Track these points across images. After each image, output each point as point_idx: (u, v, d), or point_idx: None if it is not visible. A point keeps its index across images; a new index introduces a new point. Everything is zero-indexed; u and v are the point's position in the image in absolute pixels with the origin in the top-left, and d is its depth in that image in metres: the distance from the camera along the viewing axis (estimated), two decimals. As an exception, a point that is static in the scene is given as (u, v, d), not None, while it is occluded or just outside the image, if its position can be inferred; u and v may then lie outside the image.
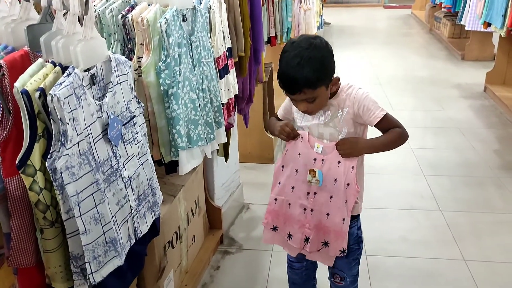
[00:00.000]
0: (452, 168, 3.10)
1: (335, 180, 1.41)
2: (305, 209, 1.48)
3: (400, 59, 6.05)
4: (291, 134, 1.45)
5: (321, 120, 1.45)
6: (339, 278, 1.58)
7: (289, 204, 1.51)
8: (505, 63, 4.43)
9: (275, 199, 1.53)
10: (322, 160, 1.41)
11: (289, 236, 1.51)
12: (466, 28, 5.12)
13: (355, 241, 1.53)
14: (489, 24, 4.15)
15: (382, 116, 1.41)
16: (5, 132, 0.83)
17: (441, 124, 3.87)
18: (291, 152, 1.48)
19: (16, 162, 0.83)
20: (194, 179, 2.12)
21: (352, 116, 1.43)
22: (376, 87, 4.74)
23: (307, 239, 1.49)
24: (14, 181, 0.85)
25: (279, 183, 1.51)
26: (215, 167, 2.37)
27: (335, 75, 1.40)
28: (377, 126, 1.44)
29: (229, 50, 1.86)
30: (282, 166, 1.50)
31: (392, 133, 1.44)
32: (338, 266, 1.53)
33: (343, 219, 1.43)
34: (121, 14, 1.25)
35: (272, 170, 1.57)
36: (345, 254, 1.46)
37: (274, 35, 3.37)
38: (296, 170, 1.47)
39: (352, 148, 1.40)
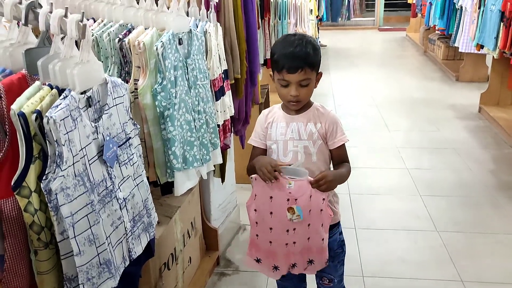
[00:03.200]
0: (448, 188, 3.11)
1: (310, 210, 1.45)
2: (287, 244, 1.50)
3: (395, 80, 6.11)
4: (269, 176, 1.40)
5: (295, 133, 1.51)
6: (327, 280, 1.64)
7: (270, 242, 1.52)
8: (499, 84, 4.48)
9: (257, 235, 1.54)
10: (296, 199, 1.43)
11: (275, 268, 1.54)
12: (459, 50, 5.19)
13: (339, 245, 1.61)
14: (482, 46, 4.22)
15: (344, 142, 1.52)
16: (1, 154, 0.84)
17: (437, 144, 3.89)
18: (261, 197, 1.48)
19: (12, 184, 0.83)
20: (190, 200, 2.12)
21: (323, 132, 1.51)
22: (372, 108, 4.79)
23: (293, 265, 1.53)
24: (9, 202, 0.86)
25: (256, 223, 1.52)
26: (212, 188, 2.37)
27: (321, 73, 1.50)
28: (334, 150, 1.53)
29: (225, 72, 1.88)
30: (255, 210, 1.50)
31: (347, 167, 1.53)
32: (325, 270, 1.58)
33: (322, 239, 1.48)
34: (118, 38, 1.28)
35: None
36: (328, 262, 1.52)
37: (270, 57, 3.41)
38: (271, 213, 1.47)
39: (330, 186, 1.43)
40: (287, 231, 1.48)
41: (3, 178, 0.85)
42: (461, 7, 5.05)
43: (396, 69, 6.82)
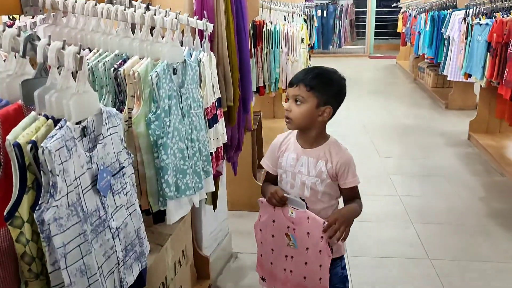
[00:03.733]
0: (440, 215, 3.13)
1: (307, 249, 1.49)
2: (285, 269, 1.56)
3: (386, 107, 6.19)
4: (276, 202, 1.53)
5: (304, 167, 1.54)
6: None
7: (271, 263, 1.60)
8: (487, 112, 4.56)
9: (261, 255, 1.64)
10: (294, 229, 1.50)
11: None
12: (448, 79, 5.30)
13: (340, 281, 1.59)
14: (470, 75, 4.31)
15: (356, 184, 1.55)
16: (-5, 184, 0.84)
17: (428, 171, 3.92)
18: (265, 220, 1.57)
19: (4, 214, 0.83)
20: (182, 228, 2.11)
21: (332, 172, 1.53)
22: (363, 134, 4.83)
23: None
24: (1, 233, 0.85)
25: (261, 242, 1.62)
26: (203, 216, 2.36)
27: (330, 108, 1.52)
28: (345, 189, 1.56)
29: (219, 100, 1.90)
30: (260, 230, 1.61)
31: (358, 203, 1.56)
32: None
33: (320, 279, 1.50)
34: (113, 68, 1.29)
35: None
36: None
37: (263, 85, 3.47)
38: (273, 235, 1.57)
39: (344, 225, 1.46)
40: (286, 256, 1.55)
41: (-4, 208, 0.85)
42: (449, 37, 5.18)
43: (387, 96, 6.93)
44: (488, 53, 3.80)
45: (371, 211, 3.21)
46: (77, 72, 0.92)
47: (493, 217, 3.09)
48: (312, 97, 1.48)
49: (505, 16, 3.74)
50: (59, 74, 0.93)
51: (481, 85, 4.14)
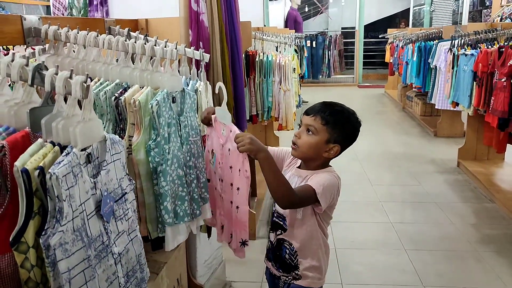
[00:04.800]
0: (432, 242, 3.14)
1: (230, 167, 1.52)
2: (216, 188, 1.62)
3: (376, 135, 6.27)
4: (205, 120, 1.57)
5: (292, 184, 1.53)
6: None
7: (215, 188, 1.64)
8: (475, 140, 4.65)
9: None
10: (223, 145, 1.54)
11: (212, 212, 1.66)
12: (436, 107, 5.41)
13: None
14: (457, 103, 4.41)
15: (312, 186, 1.43)
16: (1, 210, 0.85)
17: (419, 198, 3.96)
18: (210, 137, 1.62)
19: (10, 239, 0.84)
20: (177, 256, 2.10)
21: None
22: (354, 162, 4.88)
23: (222, 227, 1.63)
24: (6, 258, 0.86)
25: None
26: (198, 244, 2.35)
27: (338, 147, 1.51)
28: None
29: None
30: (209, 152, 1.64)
31: (287, 186, 1.43)
32: None
33: (237, 207, 1.51)
34: (114, 96, 1.33)
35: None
36: (245, 245, 1.57)
37: (256, 113, 3.52)
38: (212, 150, 1.61)
39: (251, 144, 1.42)
40: (220, 180, 1.59)
41: (1, 234, 0.86)
42: (436, 66, 5.32)
43: (377, 124, 7.02)
44: (474, 82, 3.90)
45: (364, 238, 3.23)
46: (83, 100, 0.95)
47: (485, 243, 3.11)
48: (324, 132, 1.49)
49: (489, 47, 3.87)
50: (65, 103, 0.96)
51: (468, 113, 4.24)
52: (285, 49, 4.38)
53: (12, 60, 0.94)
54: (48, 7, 9.28)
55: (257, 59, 3.44)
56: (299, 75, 5.39)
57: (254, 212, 3.25)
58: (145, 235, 1.35)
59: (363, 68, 11.94)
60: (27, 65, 0.94)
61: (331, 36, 11.54)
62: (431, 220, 3.51)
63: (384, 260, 2.91)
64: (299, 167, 1.61)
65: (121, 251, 1.03)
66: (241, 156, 1.47)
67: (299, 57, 6.09)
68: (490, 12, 10.70)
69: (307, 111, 1.54)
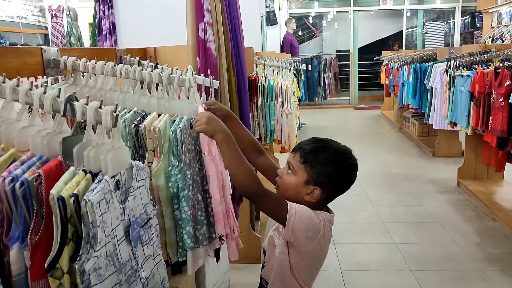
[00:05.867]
0: (437, 262, 3.16)
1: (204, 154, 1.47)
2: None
3: (375, 156, 6.32)
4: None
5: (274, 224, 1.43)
6: None
7: None
8: (474, 159, 4.70)
9: None
10: None
11: None
12: (433, 127, 5.48)
13: None
14: (455, 124, 4.48)
15: (287, 210, 1.26)
16: (37, 237, 0.88)
17: (421, 218, 3.98)
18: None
19: (45, 266, 0.87)
20: (187, 281, 2.10)
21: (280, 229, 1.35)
22: (356, 183, 4.87)
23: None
24: (41, 284, 0.88)
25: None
26: (207, 268, 2.36)
27: (319, 191, 1.32)
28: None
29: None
30: None
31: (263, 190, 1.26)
32: None
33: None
34: (133, 124, 1.37)
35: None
36: (221, 241, 1.48)
37: (259, 137, 3.56)
38: None
39: (207, 123, 1.27)
40: None
41: (37, 260, 0.88)
42: (432, 87, 5.41)
43: (375, 145, 7.08)
44: (472, 103, 3.97)
45: (369, 259, 3.24)
46: (111, 129, 0.99)
47: (489, 262, 3.13)
48: (302, 171, 1.31)
49: (485, 68, 3.96)
50: (93, 132, 1.00)
51: (466, 133, 4.30)
52: (284, 73, 4.46)
53: (44, 92, 0.98)
54: (46, 35, 9.41)
55: (259, 84, 3.51)
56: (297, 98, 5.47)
57: (259, 236, 3.26)
58: (165, 259, 1.37)
59: (359, 90, 12.09)
60: (58, 96, 0.98)
61: (326, 59, 11.72)
62: (435, 240, 3.52)
63: (391, 281, 2.92)
64: None
65: (147, 276, 1.05)
66: (204, 139, 1.38)
67: (298, 81, 6.18)
68: (481, 34, 10.95)
69: (293, 148, 1.40)
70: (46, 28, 9.35)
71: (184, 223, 1.32)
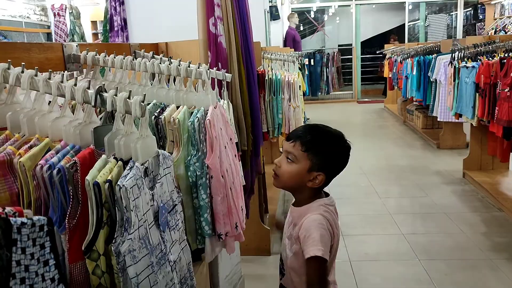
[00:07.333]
0: (445, 252, 3.20)
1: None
2: None
3: (380, 149, 6.35)
4: None
5: (286, 226, 1.48)
6: None
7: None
8: (479, 150, 4.73)
9: None
10: None
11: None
12: (438, 120, 5.50)
13: None
14: (460, 115, 4.51)
15: (310, 256, 1.28)
16: (74, 221, 0.92)
17: (428, 209, 4.02)
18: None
19: (83, 248, 0.91)
20: (201, 272, 2.15)
21: (296, 237, 1.38)
22: (361, 176, 4.94)
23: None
24: (78, 266, 0.93)
25: None
26: (220, 259, 2.40)
27: (323, 176, 1.36)
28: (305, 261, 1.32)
29: (237, 144, 2.02)
30: None
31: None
32: None
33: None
34: (154, 115, 1.41)
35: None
36: (220, 238, 1.47)
37: (266, 130, 3.60)
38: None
39: None
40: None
41: (74, 244, 0.92)
42: (436, 80, 5.44)
43: (379, 138, 7.11)
44: (477, 94, 4.00)
45: (378, 250, 3.28)
46: (140, 119, 1.03)
47: (497, 251, 3.17)
48: (305, 159, 1.34)
49: (490, 58, 3.99)
50: (122, 121, 1.04)
51: (472, 124, 4.33)
52: (289, 67, 4.50)
53: (75, 85, 1.02)
54: (48, 34, 9.46)
55: (266, 78, 3.54)
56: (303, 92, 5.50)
57: (268, 228, 3.30)
58: (186, 246, 1.41)
59: (362, 84, 12.11)
60: (88, 88, 1.02)
61: (328, 53, 11.74)
62: (442, 230, 3.56)
63: (400, 271, 2.96)
64: (293, 203, 1.49)
65: (175, 259, 1.10)
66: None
67: (302, 75, 6.21)
68: (484, 25, 10.94)
69: (288, 136, 1.41)
70: (49, 27, 9.40)
71: (202, 210, 1.37)
